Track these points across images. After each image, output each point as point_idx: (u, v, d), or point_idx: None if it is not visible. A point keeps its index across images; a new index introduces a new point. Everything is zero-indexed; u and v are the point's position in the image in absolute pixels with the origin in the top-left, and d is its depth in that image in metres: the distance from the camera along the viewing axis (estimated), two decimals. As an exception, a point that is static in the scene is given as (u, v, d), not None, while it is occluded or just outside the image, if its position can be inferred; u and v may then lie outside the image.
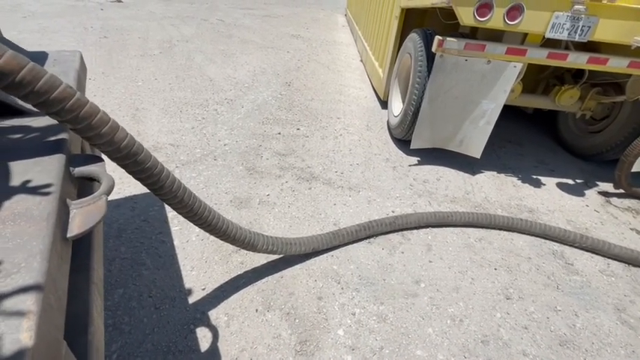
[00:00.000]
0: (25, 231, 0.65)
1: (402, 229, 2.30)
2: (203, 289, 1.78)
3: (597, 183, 3.13)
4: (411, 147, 3.03)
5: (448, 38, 2.45)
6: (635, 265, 2.23)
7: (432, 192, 2.76)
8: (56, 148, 0.90)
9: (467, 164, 3.15)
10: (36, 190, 0.75)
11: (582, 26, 2.27)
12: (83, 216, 0.79)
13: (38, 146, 0.91)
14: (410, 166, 3.07)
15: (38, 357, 0.50)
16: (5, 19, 6.04)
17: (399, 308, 1.80)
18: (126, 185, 2.42)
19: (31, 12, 6.73)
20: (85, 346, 0.76)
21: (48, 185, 0.77)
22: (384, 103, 4.09)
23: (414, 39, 3.03)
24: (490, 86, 2.61)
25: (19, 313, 0.51)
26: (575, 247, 2.32)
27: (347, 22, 8.83)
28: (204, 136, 3.21)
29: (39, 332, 0.51)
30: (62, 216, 0.75)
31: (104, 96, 3.76)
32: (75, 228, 0.76)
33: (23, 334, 0.49)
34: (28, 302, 0.53)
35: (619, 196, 2.96)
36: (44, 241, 0.63)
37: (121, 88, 4.00)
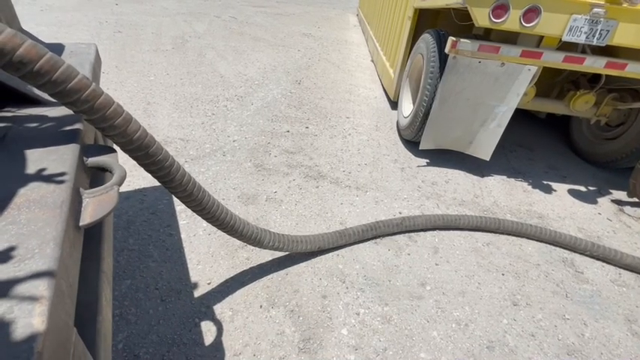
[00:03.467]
0: (39, 218, 0.66)
1: (408, 231, 2.28)
2: (208, 284, 1.80)
3: (610, 191, 3.06)
4: (420, 148, 3.01)
5: (462, 39, 2.42)
6: (647, 276, 2.18)
7: (440, 194, 2.73)
8: (71, 137, 0.92)
9: (476, 167, 3.11)
10: (50, 179, 0.76)
11: (601, 30, 2.22)
12: (95, 205, 0.80)
13: (53, 135, 0.92)
14: (418, 167, 3.05)
15: (49, 342, 0.50)
16: (24, 12, 6.16)
17: (404, 310, 1.79)
18: (136, 178, 2.44)
19: (49, 5, 6.85)
20: (93, 334, 0.77)
21: (62, 174, 0.78)
22: (394, 104, 4.06)
23: (426, 40, 3.00)
24: (503, 89, 2.57)
25: (32, 298, 0.52)
26: (586, 256, 2.27)
27: (358, 22, 8.80)
28: (214, 131, 3.23)
29: (51, 317, 0.52)
30: (75, 204, 0.76)
31: (117, 89, 3.81)
32: (87, 217, 0.77)
33: (35, 318, 0.50)
34: (41, 288, 0.54)
35: (633, 204, 2.89)
36: (57, 229, 0.64)
37: (134, 82, 4.05)
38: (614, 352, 1.71)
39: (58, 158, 0.82)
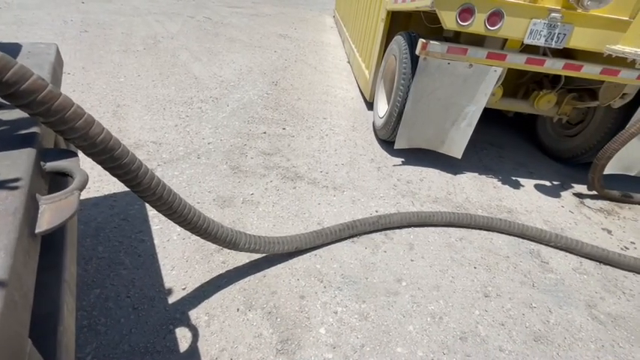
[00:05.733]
0: (-10, 226, 0.63)
1: (385, 229, 2.33)
2: (183, 289, 1.76)
3: (572, 185, 3.25)
4: (395, 147, 3.07)
5: (432, 41, 2.50)
6: (605, 264, 2.32)
7: (415, 192, 2.80)
8: (26, 141, 0.87)
9: (449, 165, 3.21)
10: (3, 185, 0.72)
11: (558, 33, 2.35)
12: (53, 211, 0.77)
13: (7, 140, 0.88)
14: (394, 166, 3.11)
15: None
16: (-21, 10, 5.79)
17: (381, 306, 1.82)
18: (105, 183, 2.35)
19: (7, 3, 6.47)
20: (53, 346, 0.74)
21: (16, 180, 0.74)
22: (370, 105, 4.13)
23: (398, 41, 3.08)
24: (472, 89, 2.67)
25: (-20, 310, 0.50)
26: (551, 247, 2.40)
27: (335, 24, 8.88)
28: (188, 134, 3.16)
29: (1, 328, 0.49)
30: (31, 211, 0.73)
31: (84, 92, 3.65)
32: (44, 224, 0.74)
33: (-17, 330, 0.48)
34: (-10, 298, 0.52)
35: (592, 197, 3.08)
36: (9, 237, 0.61)
37: (102, 83, 3.89)
38: (577, 336, 1.82)
39: (12, 163, 0.78)
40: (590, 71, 2.50)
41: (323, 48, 6.66)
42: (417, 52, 2.57)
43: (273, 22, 8.13)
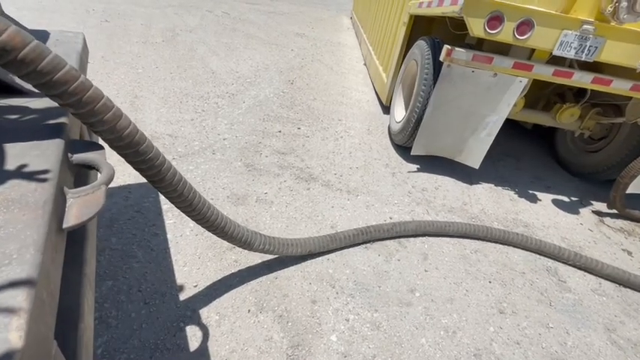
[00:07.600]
0: (19, 219, 0.61)
1: (399, 237, 2.29)
2: (195, 286, 1.74)
3: (592, 202, 3.16)
4: (412, 153, 3.02)
5: (457, 48, 2.44)
6: (626, 286, 2.25)
7: (430, 200, 2.75)
8: (55, 132, 0.86)
9: (465, 175, 3.15)
10: (32, 176, 0.71)
11: (589, 46, 2.28)
12: (81, 206, 0.75)
13: (36, 129, 0.86)
14: (409, 172, 3.06)
15: (27, 358, 0.46)
16: (4, -5, 5.88)
17: (393, 316, 1.78)
18: (120, 174, 2.35)
19: (31, -10, 6.56)
20: (74, 343, 0.72)
21: (45, 171, 0.72)
22: (386, 108, 4.08)
23: (421, 46, 3.02)
24: (494, 99, 2.61)
25: (9, 310, 0.47)
26: (569, 265, 2.33)
27: (352, 25, 8.82)
28: (204, 128, 3.15)
29: (29, 332, 0.47)
30: (58, 205, 0.71)
31: (102, 81, 3.67)
32: (72, 218, 0.72)
33: (12, 333, 0.45)
34: (19, 298, 0.49)
35: (612, 216, 2.99)
36: (39, 231, 0.59)
37: (121, 74, 3.91)
38: (595, 361, 1.75)
39: (41, 154, 0.76)
40: (619, 87, 2.43)
41: (340, 49, 6.62)
42: (441, 58, 2.52)
43: (290, 21, 8.11)
